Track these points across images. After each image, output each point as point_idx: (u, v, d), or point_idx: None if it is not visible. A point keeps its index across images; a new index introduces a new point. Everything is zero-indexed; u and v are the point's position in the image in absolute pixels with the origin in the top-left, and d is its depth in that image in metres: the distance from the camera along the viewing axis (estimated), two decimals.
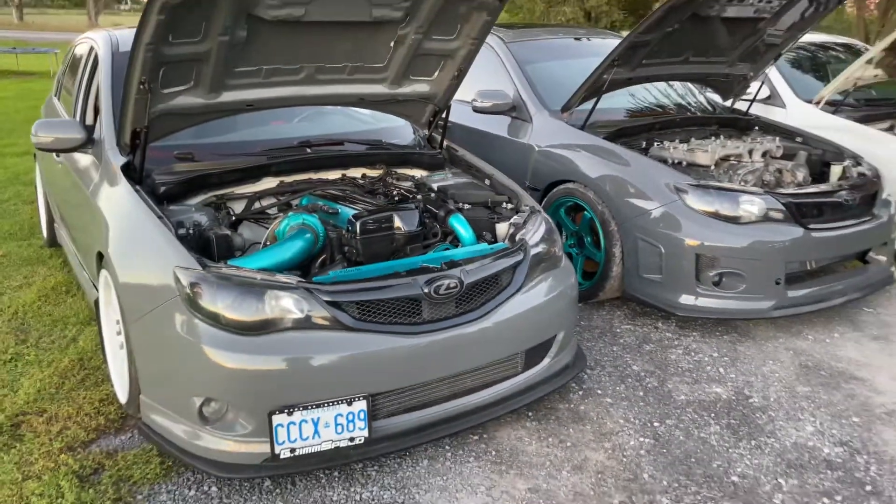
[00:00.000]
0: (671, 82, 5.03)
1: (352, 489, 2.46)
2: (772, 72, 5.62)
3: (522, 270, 2.78)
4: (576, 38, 5.63)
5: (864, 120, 5.18)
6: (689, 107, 4.99)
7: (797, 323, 3.79)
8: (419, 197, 3.16)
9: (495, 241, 2.99)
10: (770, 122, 4.83)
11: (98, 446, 2.68)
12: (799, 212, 3.62)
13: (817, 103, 5.32)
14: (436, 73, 3.35)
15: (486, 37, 3.21)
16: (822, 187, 3.90)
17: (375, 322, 2.44)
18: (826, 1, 4.14)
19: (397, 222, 2.79)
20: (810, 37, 6.52)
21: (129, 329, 2.58)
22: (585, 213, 3.98)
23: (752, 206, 3.56)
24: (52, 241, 4.82)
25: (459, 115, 4.67)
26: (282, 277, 2.42)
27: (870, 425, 2.87)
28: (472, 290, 2.61)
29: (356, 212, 2.83)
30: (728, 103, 4.99)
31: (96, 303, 3.11)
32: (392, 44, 3.08)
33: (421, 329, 2.49)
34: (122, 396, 2.83)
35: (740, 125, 4.75)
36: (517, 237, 2.89)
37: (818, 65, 6.05)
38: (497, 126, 4.65)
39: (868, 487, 2.49)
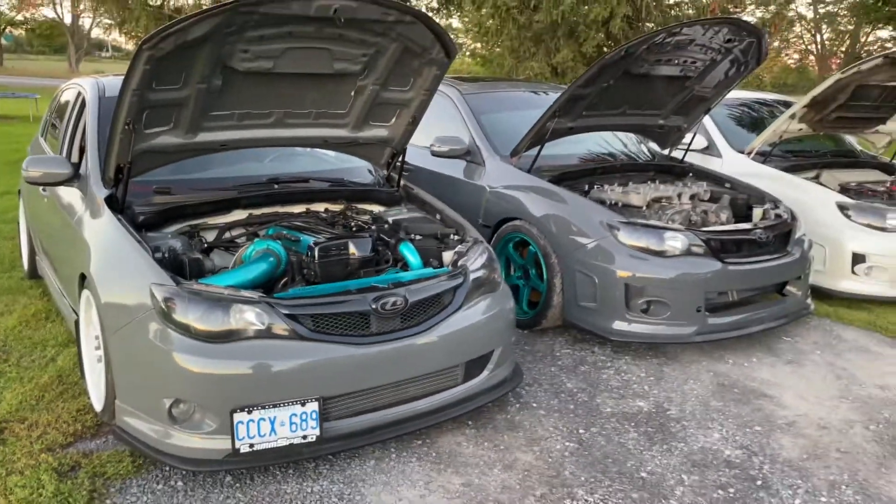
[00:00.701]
0: (616, 132, 5.50)
1: (304, 483, 2.75)
2: (709, 125, 6.15)
3: (462, 292, 3.14)
4: (532, 92, 6.10)
5: (792, 169, 5.68)
6: (630, 154, 5.46)
7: (720, 348, 4.17)
8: (373, 227, 3.52)
9: (441, 267, 3.35)
10: (703, 169, 5.31)
11: (75, 448, 2.95)
12: (718, 247, 4.04)
13: (749, 154, 5.82)
14: (393, 120, 3.75)
15: (437, 88, 3.61)
16: (740, 226, 4.34)
17: (328, 333, 2.77)
18: (746, 62, 4.64)
19: (352, 248, 3.14)
20: (748, 94, 7.11)
21: (108, 340, 2.87)
22: (530, 247, 4.37)
23: (675, 241, 3.97)
24: (33, 273, 5.09)
25: (420, 158, 5.10)
26: (245, 293, 2.76)
27: (770, 433, 3.23)
28: (416, 308, 2.96)
29: (316, 239, 3.18)
30: (666, 152, 5.45)
31: (76, 323, 3.40)
32: (353, 93, 3.48)
33: (369, 340, 2.83)
34: (98, 405, 3.10)
35: (676, 172, 5.21)
36: (459, 263, 3.26)
37: (753, 119, 6.57)
38: (454, 169, 5.06)
39: (759, 482, 2.83)
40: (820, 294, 5.04)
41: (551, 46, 14.14)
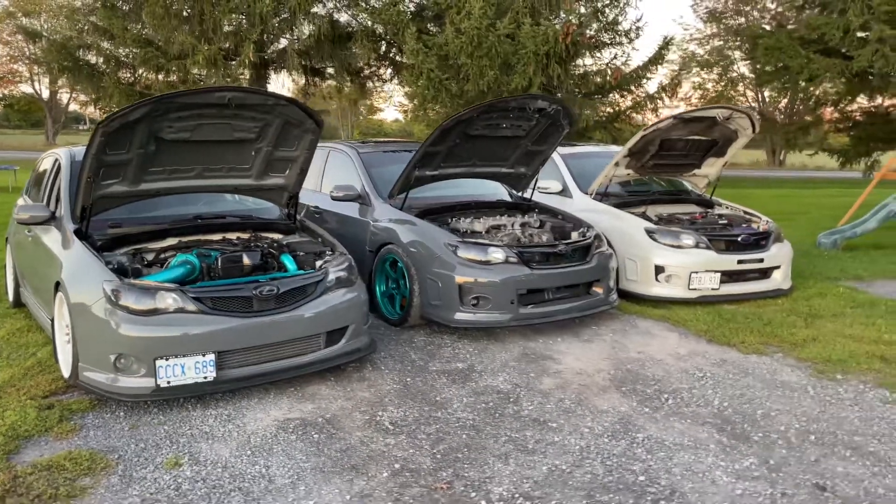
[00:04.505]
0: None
1: (206, 411, 4.10)
2: (564, 172, 7.73)
3: (323, 285, 4.56)
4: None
5: (624, 205, 7.23)
6: (489, 195, 6.99)
7: (538, 333, 5.61)
8: (265, 245, 4.95)
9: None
10: (544, 205, 6.83)
11: (51, 399, 4.27)
12: (528, 258, 5.52)
13: (590, 194, 7.38)
14: (287, 171, 5.22)
15: (316, 147, 5.11)
16: (547, 243, 5.82)
17: (223, 310, 4.17)
18: (561, 124, 6.19)
19: (245, 259, 4.57)
20: (602, 148, 8.74)
21: (75, 321, 4.23)
22: (399, 264, 5.81)
23: (496, 254, 5.45)
24: (17, 303, 6.41)
25: (323, 202, 6.58)
26: (166, 285, 4.16)
27: (539, 378, 4.64)
28: (287, 294, 4.37)
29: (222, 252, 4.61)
30: (520, 194, 6.98)
31: (52, 322, 4.74)
32: (253, 153, 4.96)
33: (252, 314, 4.23)
34: (67, 373, 4.43)
35: (523, 208, 6.73)
36: (321, 266, 4.69)
37: (602, 168, 8.13)
38: (352, 210, 6.55)
39: (512, 400, 4.24)
40: (635, 298, 6.53)
41: None
